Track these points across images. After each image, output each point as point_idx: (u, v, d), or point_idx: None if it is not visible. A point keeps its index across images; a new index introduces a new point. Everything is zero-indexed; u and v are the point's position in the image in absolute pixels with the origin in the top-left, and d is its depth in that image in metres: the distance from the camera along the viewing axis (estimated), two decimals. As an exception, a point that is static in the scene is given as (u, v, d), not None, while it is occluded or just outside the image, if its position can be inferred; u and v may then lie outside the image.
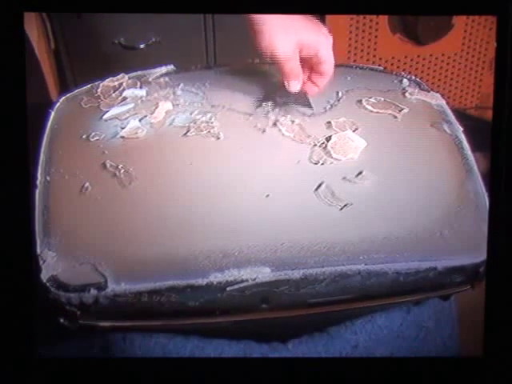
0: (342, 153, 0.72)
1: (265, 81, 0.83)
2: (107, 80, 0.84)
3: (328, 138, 0.74)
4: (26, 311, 0.68)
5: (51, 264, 0.63)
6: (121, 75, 0.85)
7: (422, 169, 0.72)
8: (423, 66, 1.02)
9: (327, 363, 0.70)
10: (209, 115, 0.78)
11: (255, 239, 0.64)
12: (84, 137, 0.76)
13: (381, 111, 0.78)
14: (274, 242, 0.64)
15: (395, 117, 0.78)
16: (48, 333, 0.70)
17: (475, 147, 0.74)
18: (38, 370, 0.70)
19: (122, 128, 0.76)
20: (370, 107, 0.79)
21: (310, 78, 0.78)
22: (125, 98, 0.81)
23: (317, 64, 0.75)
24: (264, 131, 0.76)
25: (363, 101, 0.80)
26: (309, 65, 0.76)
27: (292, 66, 0.74)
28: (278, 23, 0.72)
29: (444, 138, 0.76)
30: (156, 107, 0.79)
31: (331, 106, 0.80)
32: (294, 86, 0.76)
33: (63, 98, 0.83)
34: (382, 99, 0.80)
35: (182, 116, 0.78)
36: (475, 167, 0.72)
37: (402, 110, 0.79)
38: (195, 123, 0.77)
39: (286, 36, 0.73)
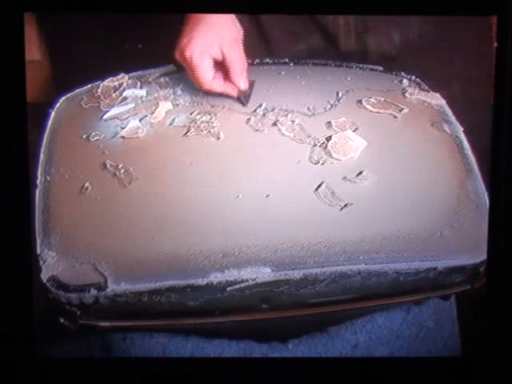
0: (342, 153, 0.72)
1: (265, 81, 0.83)
2: (107, 80, 0.84)
3: (328, 138, 0.74)
4: (26, 311, 0.68)
5: (51, 264, 0.63)
6: (121, 75, 0.85)
7: (422, 169, 0.72)
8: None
9: (327, 363, 0.70)
10: (209, 115, 0.78)
11: (255, 239, 0.64)
12: (84, 137, 0.76)
13: (381, 111, 0.79)
14: (274, 242, 0.64)
15: (395, 117, 0.78)
16: (48, 333, 0.70)
17: (475, 147, 0.74)
18: (37, 369, 0.70)
19: (122, 128, 0.76)
20: (370, 107, 0.79)
21: (226, 79, 0.79)
22: (125, 98, 0.81)
23: (224, 63, 0.77)
24: (264, 131, 0.76)
25: (363, 101, 0.80)
26: (220, 65, 0.78)
27: (201, 68, 0.76)
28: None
29: (444, 137, 0.76)
30: (156, 107, 0.80)
31: (331, 106, 0.80)
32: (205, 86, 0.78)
33: (63, 98, 0.83)
34: (382, 99, 0.80)
35: (182, 116, 0.78)
36: (475, 167, 0.72)
37: (402, 109, 0.79)
38: (195, 123, 0.77)
39: (197, 39, 0.75)
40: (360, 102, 0.80)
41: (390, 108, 0.79)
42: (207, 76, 0.77)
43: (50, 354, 0.71)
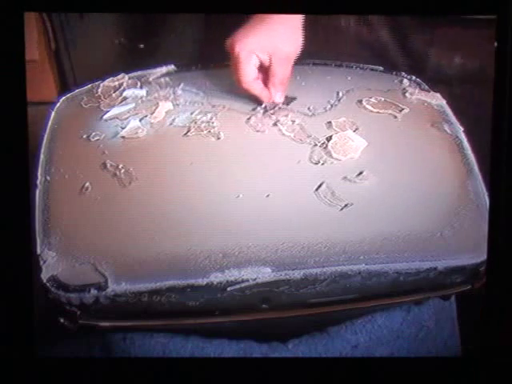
0: (343, 153, 0.72)
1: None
2: (107, 80, 0.84)
3: (328, 138, 0.74)
4: (26, 311, 0.68)
5: (51, 264, 0.63)
6: (121, 75, 0.85)
7: (423, 169, 0.72)
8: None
9: (327, 363, 0.70)
10: (209, 115, 0.78)
11: (255, 239, 0.64)
12: (84, 137, 0.76)
13: (381, 111, 0.79)
14: (275, 242, 0.64)
15: (395, 117, 0.78)
16: (48, 333, 0.70)
17: (475, 147, 0.74)
18: (37, 369, 0.70)
19: (123, 128, 0.76)
20: (370, 107, 0.79)
21: (266, 85, 0.78)
22: (125, 98, 0.81)
23: (269, 71, 0.77)
24: (264, 131, 0.76)
25: (363, 101, 0.80)
26: (264, 70, 0.77)
27: (245, 66, 0.75)
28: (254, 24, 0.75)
29: (444, 137, 0.76)
30: (156, 107, 0.79)
31: (331, 105, 0.80)
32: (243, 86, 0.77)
33: (63, 98, 0.84)
34: (383, 99, 0.80)
35: (183, 116, 0.78)
36: (475, 167, 0.72)
37: (403, 109, 0.79)
38: (195, 123, 0.77)
39: (252, 38, 0.74)
40: (360, 101, 0.80)
41: (390, 108, 0.79)
42: (248, 75, 0.76)
43: (50, 354, 0.71)
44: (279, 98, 0.78)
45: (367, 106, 0.79)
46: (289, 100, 0.79)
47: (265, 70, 0.77)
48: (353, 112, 0.78)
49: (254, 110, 0.79)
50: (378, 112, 0.78)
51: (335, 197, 0.68)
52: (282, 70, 0.76)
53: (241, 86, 0.77)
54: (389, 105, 0.79)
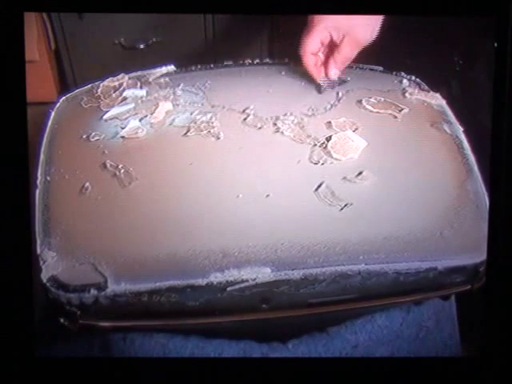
0: (342, 153, 0.72)
1: (265, 81, 0.83)
2: (107, 80, 0.84)
3: (328, 138, 0.74)
4: (26, 311, 0.68)
5: (51, 264, 0.63)
6: (121, 75, 0.85)
7: (422, 169, 0.72)
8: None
9: (327, 363, 0.70)
10: (209, 115, 0.78)
11: (255, 239, 0.64)
12: (84, 137, 0.76)
13: (381, 111, 0.79)
14: (274, 242, 0.64)
15: (395, 117, 0.78)
16: (48, 333, 0.70)
17: (475, 147, 0.74)
18: (38, 369, 0.70)
19: (122, 128, 0.76)
20: (370, 107, 0.79)
21: (324, 63, 0.82)
22: (125, 98, 0.81)
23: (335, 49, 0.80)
24: (264, 131, 0.76)
25: (363, 101, 0.80)
26: (331, 48, 0.80)
27: (312, 39, 0.79)
28: None
29: (444, 138, 0.76)
30: (156, 107, 0.80)
31: (331, 106, 0.80)
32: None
33: (63, 98, 0.84)
34: (382, 99, 0.80)
35: (182, 116, 0.78)
36: (475, 167, 0.72)
37: (402, 110, 0.79)
38: (195, 123, 0.77)
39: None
40: (360, 102, 0.80)
41: (389, 108, 0.79)
42: (309, 47, 0.79)
43: (49, 354, 0.71)
44: (334, 75, 0.82)
45: (367, 106, 0.79)
46: (341, 81, 0.83)
47: (333, 47, 0.80)
48: (353, 112, 0.78)
49: (254, 110, 0.79)
50: (377, 112, 0.78)
51: (335, 197, 0.68)
52: (348, 51, 0.80)
53: (300, 53, 0.80)
54: (389, 105, 0.79)
